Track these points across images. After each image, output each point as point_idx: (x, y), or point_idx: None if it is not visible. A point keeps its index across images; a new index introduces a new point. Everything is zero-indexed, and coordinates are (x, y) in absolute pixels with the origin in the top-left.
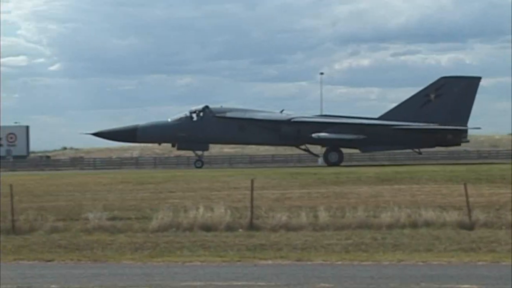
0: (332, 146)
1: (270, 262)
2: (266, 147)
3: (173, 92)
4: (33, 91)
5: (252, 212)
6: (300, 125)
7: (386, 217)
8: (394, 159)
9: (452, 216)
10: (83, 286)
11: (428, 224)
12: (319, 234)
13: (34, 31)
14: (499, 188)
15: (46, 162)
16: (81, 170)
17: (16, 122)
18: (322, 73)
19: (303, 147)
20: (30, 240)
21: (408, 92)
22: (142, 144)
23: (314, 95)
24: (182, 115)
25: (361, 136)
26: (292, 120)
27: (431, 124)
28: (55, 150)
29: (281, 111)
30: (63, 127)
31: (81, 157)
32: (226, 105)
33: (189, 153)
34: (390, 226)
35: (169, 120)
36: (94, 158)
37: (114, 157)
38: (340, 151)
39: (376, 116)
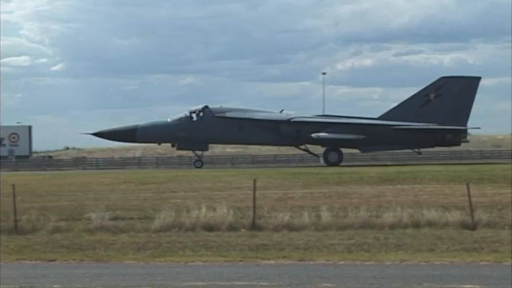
0: (332, 146)
1: (272, 262)
2: (268, 147)
3: (175, 92)
4: (36, 91)
5: (254, 212)
6: (299, 125)
7: (388, 217)
8: (397, 159)
9: (455, 216)
10: (86, 286)
11: (430, 224)
12: (322, 234)
13: (37, 31)
14: (502, 188)
15: (49, 162)
16: (83, 170)
17: (18, 122)
18: (324, 73)
19: (302, 147)
20: (32, 240)
21: (410, 92)
22: (144, 144)
23: (317, 95)
24: (182, 115)
25: (361, 136)
26: (292, 120)
27: (431, 124)
28: (57, 150)
29: (281, 111)
30: (66, 127)
31: (84, 157)
32: (229, 105)
33: (192, 153)
34: (392, 226)
35: (169, 120)
36: (97, 158)
37: (116, 157)
38: (340, 151)
39: (378, 116)
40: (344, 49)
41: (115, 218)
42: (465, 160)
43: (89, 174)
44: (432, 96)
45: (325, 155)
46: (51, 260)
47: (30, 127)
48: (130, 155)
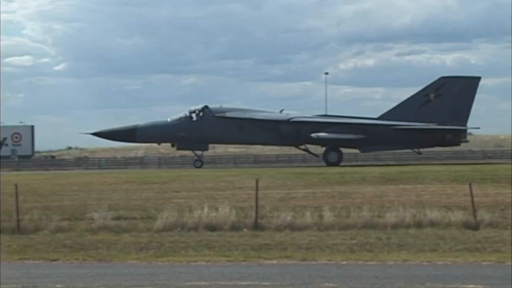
0: (332, 146)
1: (275, 261)
2: (271, 146)
3: (178, 92)
4: (38, 91)
5: (257, 212)
6: (299, 125)
7: (391, 217)
8: (399, 159)
9: (457, 216)
10: (88, 285)
11: (433, 224)
12: (324, 234)
13: (39, 31)
14: (504, 188)
15: (51, 161)
16: (86, 169)
17: (21, 122)
18: (327, 73)
19: (302, 147)
20: (35, 239)
21: (412, 92)
22: (147, 144)
23: (319, 95)
24: (181, 115)
25: (361, 136)
26: (292, 120)
27: (431, 124)
28: (60, 150)
29: (281, 111)
30: (68, 127)
31: (86, 157)
32: (231, 105)
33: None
34: (395, 226)
35: (169, 120)
36: (99, 158)
37: (119, 156)
38: (340, 151)
39: (377, 116)
40: (347, 49)
41: (117, 218)
42: (468, 160)
43: (91, 174)
44: (432, 96)
45: (325, 155)
46: (54, 260)
47: (32, 127)
48: (132, 155)
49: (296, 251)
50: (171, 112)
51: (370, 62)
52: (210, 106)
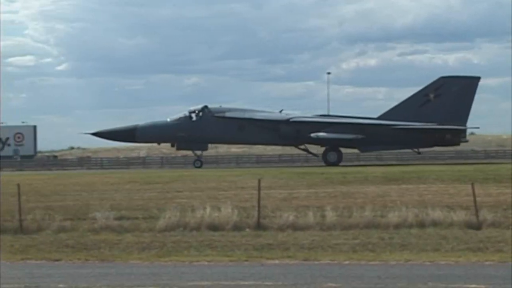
0: (331, 146)
1: (277, 261)
2: (273, 146)
3: (180, 92)
4: (41, 91)
5: (259, 211)
6: (299, 125)
7: (393, 216)
8: (401, 159)
9: (460, 216)
10: (91, 285)
11: (435, 224)
12: (326, 233)
13: (42, 31)
14: (507, 188)
15: (53, 161)
16: (88, 169)
17: (23, 122)
18: (329, 73)
19: (302, 147)
20: (37, 239)
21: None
22: (149, 144)
23: (321, 95)
24: (181, 115)
25: (360, 136)
26: (291, 120)
27: (430, 124)
28: (62, 150)
29: (280, 111)
30: (70, 127)
31: (88, 157)
32: (233, 105)
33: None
34: (397, 226)
35: (168, 120)
36: (101, 158)
37: (121, 156)
38: (339, 151)
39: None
40: (349, 49)
41: (120, 218)
42: (470, 160)
43: (94, 174)
44: (431, 96)
45: (324, 155)
46: (56, 260)
47: (35, 127)
48: (135, 154)
49: (298, 251)
50: (174, 112)
51: (372, 62)
52: (210, 106)
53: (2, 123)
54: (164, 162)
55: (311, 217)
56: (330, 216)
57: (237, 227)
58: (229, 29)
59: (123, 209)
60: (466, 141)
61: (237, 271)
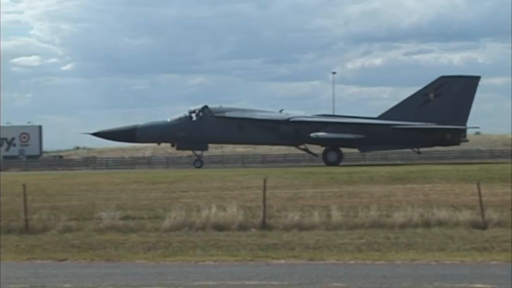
0: (331, 146)
1: (283, 261)
2: (279, 146)
3: (185, 92)
4: (46, 91)
5: (264, 211)
6: (299, 125)
7: (399, 216)
8: (406, 158)
9: (465, 215)
10: (96, 285)
11: (441, 223)
12: (332, 233)
13: (47, 31)
14: None
15: (59, 161)
16: (93, 169)
17: (29, 122)
18: (334, 73)
19: (302, 146)
20: (43, 239)
21: None
22: (153, 144)
23: (327, 95)
24: (181, 115)
25: (360, 136)
26: (291, 119)
27: (430, 124)
28: (67, 150)
29: (280, 111)
30: (76, 127)
31: (94, 157)
32: (238, 105)
33: (203, 153)
34: (403, 226)
35: (168, 120)
36: (107, 158)
37: (126, 156)
38: (340, 151)
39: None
40: (354, 49)
41: (125, 218)
42: (475, 160)
43: (99, 174)
44: (431, 95)
45: (324, 154)
46: (62, 260)
47: (40, 127)
48: (140, 154)
49: (304, 251)
50: (179, 112)
51: (377, 61)
52: (210, 106)
53: (8, 123)
54: (169, 162)
55: (316, 217)
56: (336, 216)
57: (242, 227)
58: (234, 29)
59: (128, 209)
60: (466, 141)
61: (242, 271)
